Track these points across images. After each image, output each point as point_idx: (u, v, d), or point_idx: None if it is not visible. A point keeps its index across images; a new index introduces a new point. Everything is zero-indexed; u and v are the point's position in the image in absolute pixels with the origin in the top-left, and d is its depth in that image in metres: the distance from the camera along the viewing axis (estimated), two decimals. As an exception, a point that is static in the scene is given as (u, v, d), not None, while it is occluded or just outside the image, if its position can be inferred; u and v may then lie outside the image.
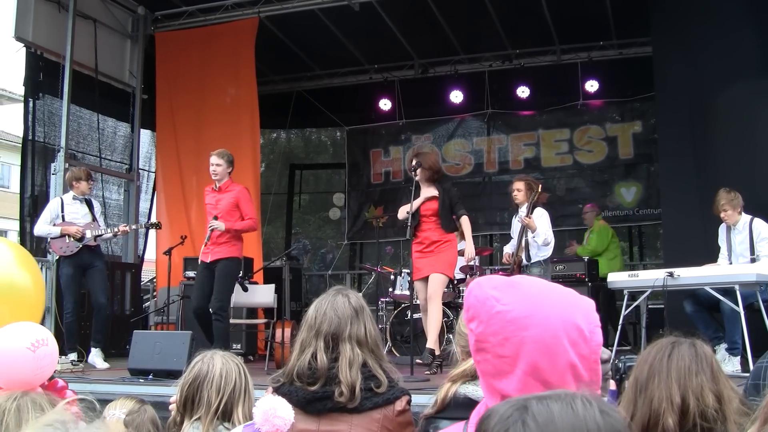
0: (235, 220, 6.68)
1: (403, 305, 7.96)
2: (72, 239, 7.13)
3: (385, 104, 12.01)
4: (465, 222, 6.45)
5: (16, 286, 4.26)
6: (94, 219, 7.36)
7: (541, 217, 6.78)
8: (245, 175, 9.52)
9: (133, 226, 7.93)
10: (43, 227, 7.25)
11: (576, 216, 11.27)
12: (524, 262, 6.81)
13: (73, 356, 7.03)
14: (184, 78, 10.02)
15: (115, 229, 7.38)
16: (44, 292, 4.64)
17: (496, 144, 11.85)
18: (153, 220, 8.24)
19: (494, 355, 1.20)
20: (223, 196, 6.69)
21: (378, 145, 12.60)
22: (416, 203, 6.33)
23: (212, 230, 6.59)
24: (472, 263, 7.87)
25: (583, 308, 1.23)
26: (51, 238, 7.25)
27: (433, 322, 6.21)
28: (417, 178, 6.39)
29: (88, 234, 7.18)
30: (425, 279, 6.33)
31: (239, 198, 6.70)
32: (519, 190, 6.86)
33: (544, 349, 1.17)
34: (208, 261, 6.64)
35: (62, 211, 7.29)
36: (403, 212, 6.39)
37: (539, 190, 6.68)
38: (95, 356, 7.15)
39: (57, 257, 7.33)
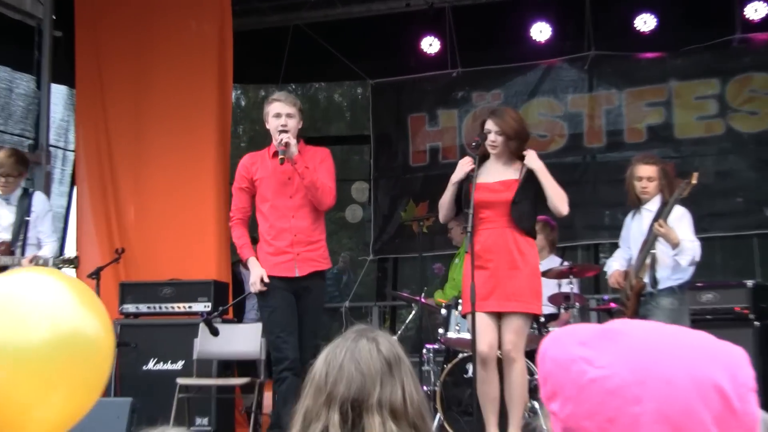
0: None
1: (461, 355, 7.93)
2: None
3: (430, 44, 12.02)
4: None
5: (81, 341, 4.33)
6: (16, 235, 7.54)
7: (682, 221, 6.70)
8: (208, 154, 9.70)
9: (40, 256, 7.81)
10: None
11: (733, 216, 11.11)
12: (648, 288, 6.74)
13: None
14: (119, 5, 10.14)
15: (16, 259, 7.47)
16: (113, 342, 4.74)
17: (604, 104, 11.80)
18: (66, 253, 8.21)
19: None
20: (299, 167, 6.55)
21: (420, 108, 12.62)
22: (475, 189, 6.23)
23: (284, 154, 6.46)
24: (568, 287, 7.82)
25: (725, 361, 1.24)
26: None
27: (517, 391, 6.15)
28: (494, 151, 6.32)
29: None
30: (494, 315, 6.24)
31: (327, 166, 6.77)
32: (650, 178, 6.80)
33: (670, 429, 1.17)
34: (295, 276, 6.59)
35: None
36: (445, 208, 6.39)
37: (693, 180, 6.54)
38: None
39: None
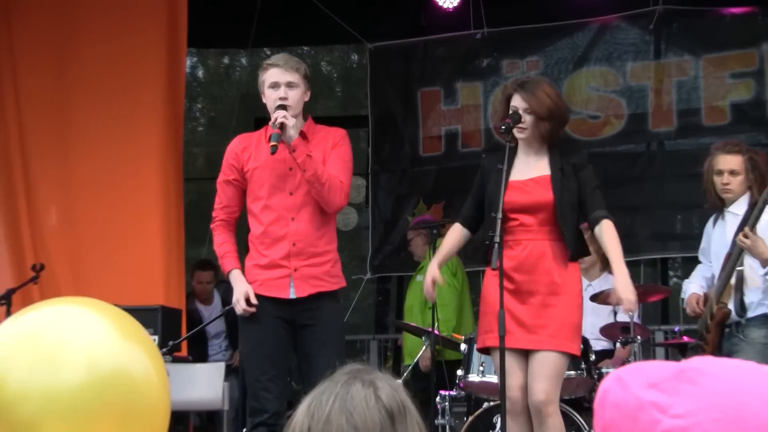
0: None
1: (486, 404, 7.91)
2: None
3: (447, -3, 12.08)
4: (608, 230, 6.26)
5: (126, 384, 4.26)
6: None
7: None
8: (154, 139, 9.76)
9: None
10: None
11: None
12: (733, 316, 6.75)
13: None
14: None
15: None
16: (167, 387, 4.71)
17: (674, 75, 11.84)
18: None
19: None
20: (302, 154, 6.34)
21: (434, 81, 12.72)
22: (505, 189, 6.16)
23: (277, 139, 6.21)
24: (629, 316, 7.76)
25: None
26: None
27: None
28: (522, 135, 6.26)
29: None
30: (522, 353, 6.22)
31: (340, 152, 6.57)
32: (734, 172, 6.81)
33: None
34: (290, 298, 6.44)
35: None
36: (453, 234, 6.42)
37: None
38: None
39: None
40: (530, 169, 6.33)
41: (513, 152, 6.33)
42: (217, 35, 12.62)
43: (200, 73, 13.80)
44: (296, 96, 6.40)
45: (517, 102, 6.26)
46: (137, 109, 9.67)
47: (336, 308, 6.69)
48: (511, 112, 6.26)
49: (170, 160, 9.76)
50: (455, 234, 6.65)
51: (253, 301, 6.34)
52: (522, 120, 6.21)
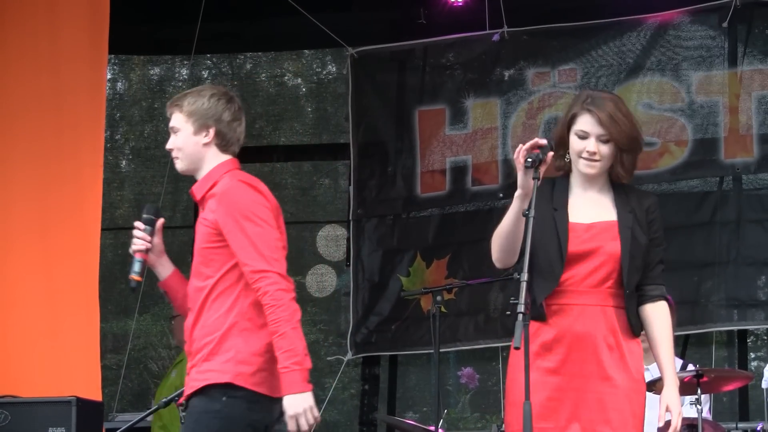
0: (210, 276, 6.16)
1: None
2: None
3: (453, -15, 12.11)
4: (664, 315, 6.16)
5: None
6: None
7: None
8: (67, 173, 9.82)
9: None
10: None
11: None
12: None
13: None
14: None
15: None
16: None
17: (755, 87, 11.82)
18: None
19: None
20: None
21: (436, 97, 12.74)
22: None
23: (141, 264, 6.02)
24: (696, 410, 7.80)
25: None
26: None
27: None
28: (593, 170, 5.90)
29: None
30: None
31: (229, 217, 5.95)
32: None
33: None
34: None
35: None
36: (508, 243, 5.83)
37: None
38: None
39: None
40: (592, 209, 6.03)
41: (564, 188, 6.09)
42: (147, 38, 12.60)
43: (122, 88, 13.71)
44: (179, 142, 6.15)
45: (588, 125, 5.88)
46: (49, 135, 9.70)
47: (197, 408, 6.01)
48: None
49: (89, 201, 9.73)
50: None
51: None
52: (593, 152, 5.86)
